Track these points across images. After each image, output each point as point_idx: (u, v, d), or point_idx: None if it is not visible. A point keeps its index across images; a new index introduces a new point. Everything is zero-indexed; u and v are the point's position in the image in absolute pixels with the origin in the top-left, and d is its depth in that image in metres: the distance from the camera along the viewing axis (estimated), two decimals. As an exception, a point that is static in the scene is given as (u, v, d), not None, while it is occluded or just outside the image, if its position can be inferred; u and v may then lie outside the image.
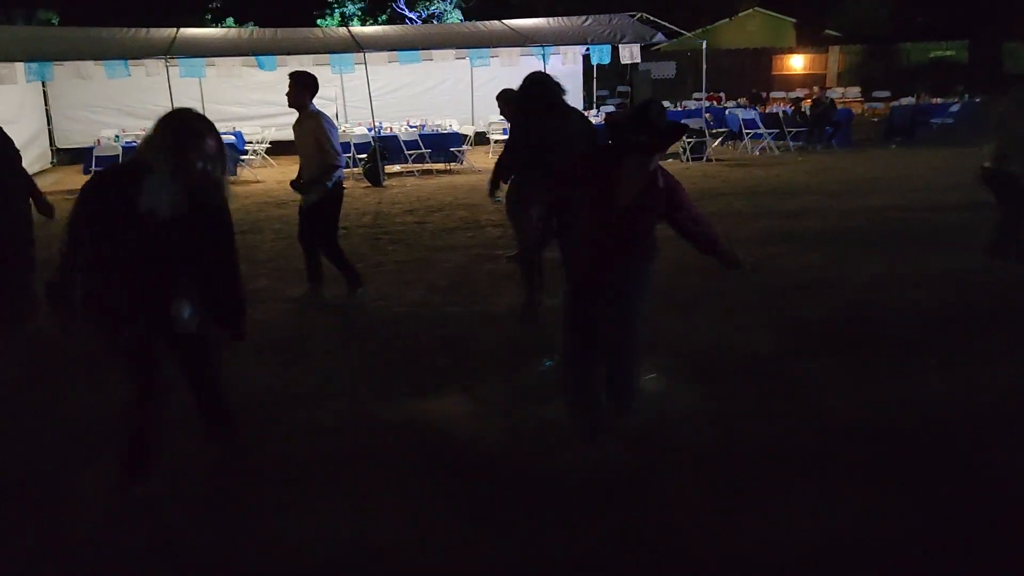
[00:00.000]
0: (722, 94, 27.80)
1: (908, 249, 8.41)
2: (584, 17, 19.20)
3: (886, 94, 28.71)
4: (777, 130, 18.92)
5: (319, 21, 28.17)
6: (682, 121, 17.10)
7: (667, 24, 18.51)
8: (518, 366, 5.35)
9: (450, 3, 33.97)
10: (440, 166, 17.42)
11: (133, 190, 3.33)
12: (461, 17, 32.49)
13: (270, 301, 7.24)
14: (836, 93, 27.57)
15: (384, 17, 32.36)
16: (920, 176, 13.98)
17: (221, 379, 3.94)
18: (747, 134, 18.88)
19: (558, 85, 6.15)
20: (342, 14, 32.11)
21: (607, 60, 18.56)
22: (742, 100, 24.95)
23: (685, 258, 7.70)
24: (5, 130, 6.35)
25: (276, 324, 6.54)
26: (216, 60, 17.00)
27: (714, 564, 3.26)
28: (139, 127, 18.27)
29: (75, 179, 15.67)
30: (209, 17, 26.84)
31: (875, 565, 3.24)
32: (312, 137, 6.75)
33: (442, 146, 17.20)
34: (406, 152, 16.83)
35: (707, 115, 19.63)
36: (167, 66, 15.84)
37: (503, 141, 9.73)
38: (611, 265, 4.22)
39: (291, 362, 5.69)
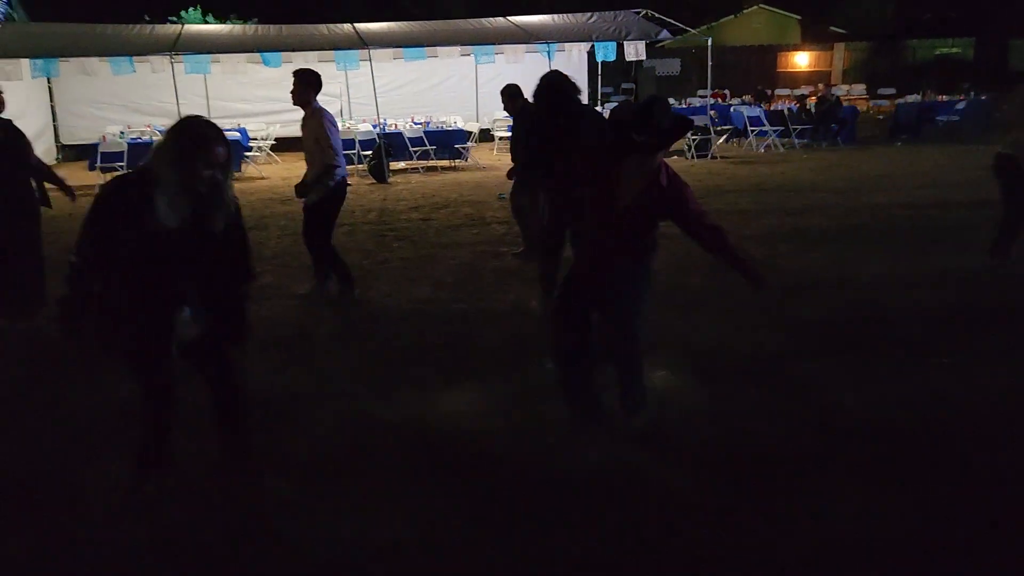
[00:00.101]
0: (727, 91, 27.75)
1: (913, 248, 8.40)
2: (589, 14, 19.19)
3: (891, 91, 28.64)
4: (782, 127, 18.89)
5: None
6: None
7: (672, 21, 18.49)
8: (521, 365, 5.35)
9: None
10: (445, 163, 17.42)
11: (144, 198, 3.35)
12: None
13: (275, 298, 7.26)
14: (841, 90, 27.49)
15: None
16: (926, 174, 13.96)
17: (240, 377, 3.90)
18: (752, 131, 18.86)
19: (572, 86, 6.14)
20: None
21: (612, 57, 18.55)
22: (747, 97, 24.89)
23: (686, 257, 7.76)
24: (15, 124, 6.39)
25: (280, 321, 6.56)
26: (221, 56, 17.02)
27: (714, 564, 3.27)
28: (144, 123, 18.35)
29: (80, 175, 15.66)
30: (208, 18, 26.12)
31: (875, 565, 3.24)
32: (314, 136, 6.78)
33: (447, 143, 17.21)
34: (411, 149, 16.84)
35: (712, 112, 19.61)
36: (172, 62, 15.86)
37: (507, 138, 9.75)
38: (611, 265, 4.23)
39: (293, 360, 5.70)
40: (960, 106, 20.17)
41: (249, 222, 4.57)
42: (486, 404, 4.79)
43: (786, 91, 29.06)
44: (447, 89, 21.85)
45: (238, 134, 16.46)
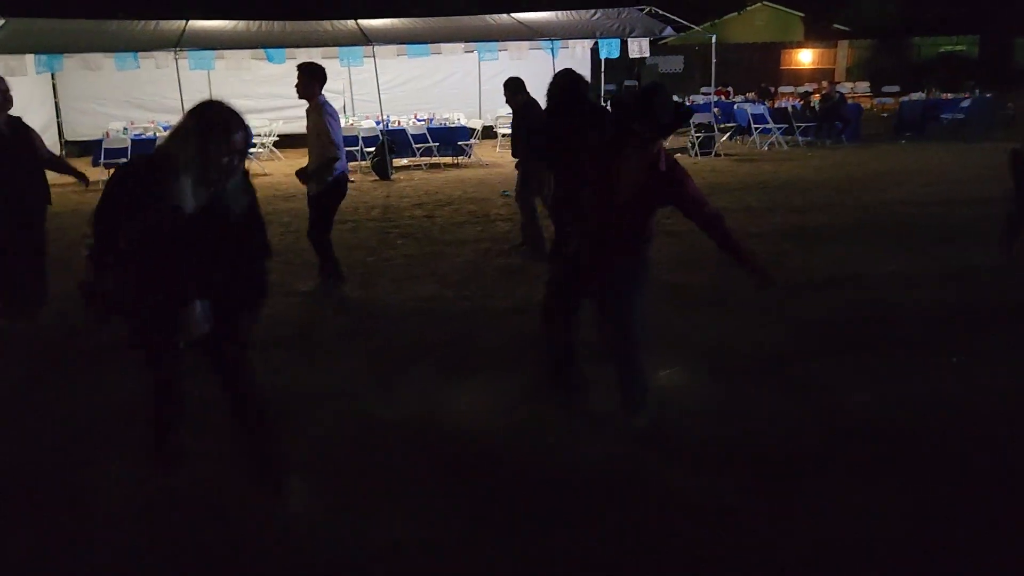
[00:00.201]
0: (730, 88, 27.70)
1: (917, 245, 8.40)
2: (593, 10, 19.16)
3: (895, 89, 28.58)
4: (786, 125, 18.87)
5: None
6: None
7: (676, 18, 18.46)
8: (523, 363, 5.34)
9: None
10: (448, 160, 17.42)
11: (160, 181, 3.28)
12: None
13: (278, 295, 7.24)
14: (845, 88, 27.43)
15: None
16: (930, 171, 13.94)
17: (253, 375, 3.81)
18: (756, 129, 18.84)
19: (582, 85, 6.11)
20: None
21: (616, 54, 18.52)
22: (751, 95, 24.84)
23: (689, 255, 7.77)
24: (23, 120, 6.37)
25: (283, 319, 6.55)
26: (225, 53, 17.01)
27: (714, 564, 3.27)
28: (147, 120, 18.35)
29: (86, 171, 15.64)
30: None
31: (875, 565, 3.25)
32: (315, 128, 6.79)
33: (450, 140, 17.20)
34: (414, 146, 16.83)
35: (715, 110, 19.58)
36: (176, 58, 15.86)
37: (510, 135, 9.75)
38: (611, 264, 4.26)
39: (295, 359, 5.69)
40: (965, 104, 20.13)
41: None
42: (487, 403, 4.79)
43: (789, 89, 29.02)
44: (450, 86, 21.81)
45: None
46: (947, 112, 20.23)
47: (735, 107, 20.72)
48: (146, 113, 19.18)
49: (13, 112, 6.26)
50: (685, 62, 33.11)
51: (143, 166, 3.43)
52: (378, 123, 16.91)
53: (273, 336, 6.00)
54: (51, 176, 6.48)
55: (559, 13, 19.44)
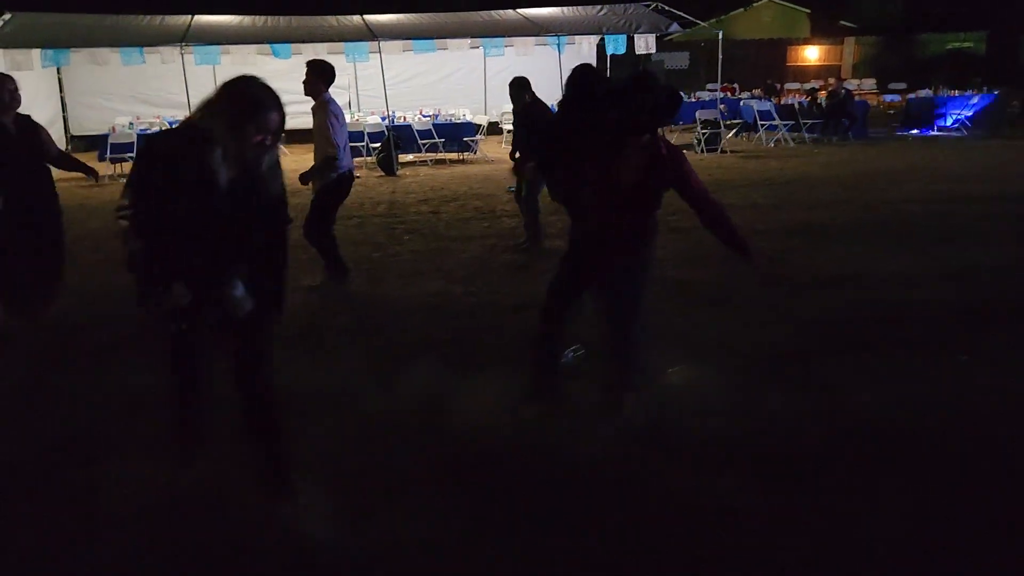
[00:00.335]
0: (735, 85, 27.66)
1: (923, 243, 8.37)
2: (599, 6, 19.13)
3: (902, 86, 28.50)
4: (792, 122, 18.81)
5: None
6: (696, 112, 16.95)
7: (682, 14, 18.42)
8: (528, 361, 5.30)
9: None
10: (453, 156, 17.40)
11: (189, 155, 3.17)
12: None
13: (283, 291, 7.23)
14: (851, 85, 27.37)
15: None
16: (937, 168, 13.91)
17: (271, 370, 3.74)
18: (762, 126, 18.79)
19: (586, 79, 6.07)
20: None
21: (623, 50, 18.50)
22: (757, 92, 24.79)
23: (693, 252, 7.75)
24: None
25: (287, 316, 6.51)
26: (231, 48, 17.01)
27: (714, 564, 3.26)
28: (153, 115, 18.36)
29: (92, 166, 15.68)
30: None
31: (875, 565, 3.23)
32: (319, 127, 6.77)
33: (455, 136, 17.20)
34: (419, 141, 16.83)
35: (721, 106, 19.54)
36: (182, 53, 15.85)
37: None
38: (611, 264, 4.27)
39: (297, 357, 5.61)
40: (973, 101, 20.08)
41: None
42: (489, 402, 4.71)
43: (796, 85, 28.95)
44: (456, 82, 21.82)
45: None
46: (954, 109, 20.18)
47: (741, 103, 20.67)
48: (152, 108, 19.20)
49: (21, 107, 6.22)
50: (691, 58, 33.06)
51: (172, 135, 3.33)
52: (383, 119, 16.91)
53: (276, 332, 5.96)
54: (57, 173, 6.43)
55: (565, 9, 19.42)
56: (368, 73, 18.53)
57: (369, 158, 16.27)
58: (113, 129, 16.34)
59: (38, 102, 16.78)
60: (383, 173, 15.53)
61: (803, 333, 5.84)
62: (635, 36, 18.15)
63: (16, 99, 6.07)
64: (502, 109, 19.43)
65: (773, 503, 3.63)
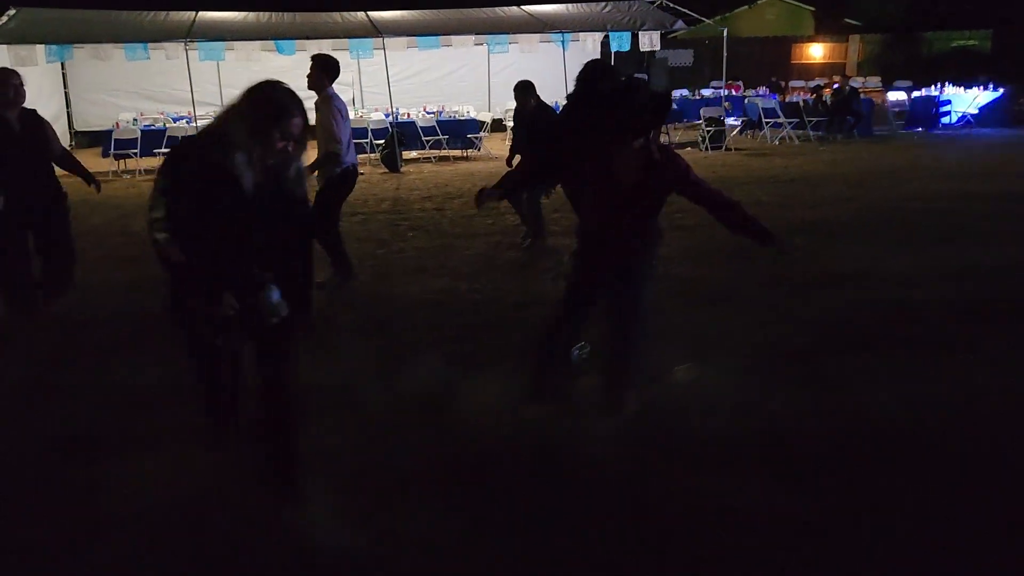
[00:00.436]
0: (740, 83, 27.61)
1: (928, 242, 8.34)
2: (604, 3, 19.09)
3: (908, 84, 28.43)
4: (797, 119, 18.78)
5: None
6: (701, 110, 16.95)
7: (687, 11, 18.39)
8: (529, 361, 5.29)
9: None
10: (457, 153, 17.40)
11: (216, 162, 3.16)
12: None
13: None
14: (856, 83, 27.31)
15: None
16: (942, 166, 13.88)
17: (296, 373, 3.70)
18: (767, 123, 18.75)
19: (594, 76, 6.04)
20: None
21: (627, 47, 18.47)
22: (762, 89, 24.74)
23: (699, 249, 7.74)
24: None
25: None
26: (235, 44, 17.01)
27: (715, 564, 3.24)
28: (157, 110, 18.38)
29: (95, 162, 15.70)
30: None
31: (875, 565, 3.22)
32: (321, 122, 6.76)
33: (459, 133, 17.20)
34: (423, 138, 16.81)
35: (726, 104, 19.50)
36: (186, 49, 15.86)
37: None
38: (611, 265, 4.25)
39: (299, 355, 5.62)
40: (979, 100, 20.02)
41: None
42: (491, 401, 4.70)
43: (800, 83, 28.89)
44: (459, 78, 21.81)
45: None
46: (959, 107, 20.13)
47: (746, 101, 20.63)
48: (156, 104, 19.22)
49: (26, 103, 6.17)
50: (695, 56, 32.99)
51: (200, 143, 3.28)
52: (387, 115, 16.90)
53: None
54: (60, 170, 6.40)
55: (570, 6, 19.39)
56: (372, 70, 18.54)
57: (373, 155, 16.27)
58: (117, 125, 16.36)
59: (42, 98, 16.80)
60: (387, 170, 15.52)
61: (804, 332, 5.81)
62: (639, 33, 18.11)
63: (20, 94, 6.00)
64: (506, 106, 19.41)
65: (773, 503, 3.62)
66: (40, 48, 15.78)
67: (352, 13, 18.11)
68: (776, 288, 6.78)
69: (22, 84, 6.03)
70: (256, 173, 3.23)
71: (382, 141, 16.12)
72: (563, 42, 17.31)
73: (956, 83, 21.60)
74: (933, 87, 22.07)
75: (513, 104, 9.11)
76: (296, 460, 3.67)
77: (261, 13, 18.10)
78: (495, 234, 9.38)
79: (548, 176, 5.59)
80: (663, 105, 4.13)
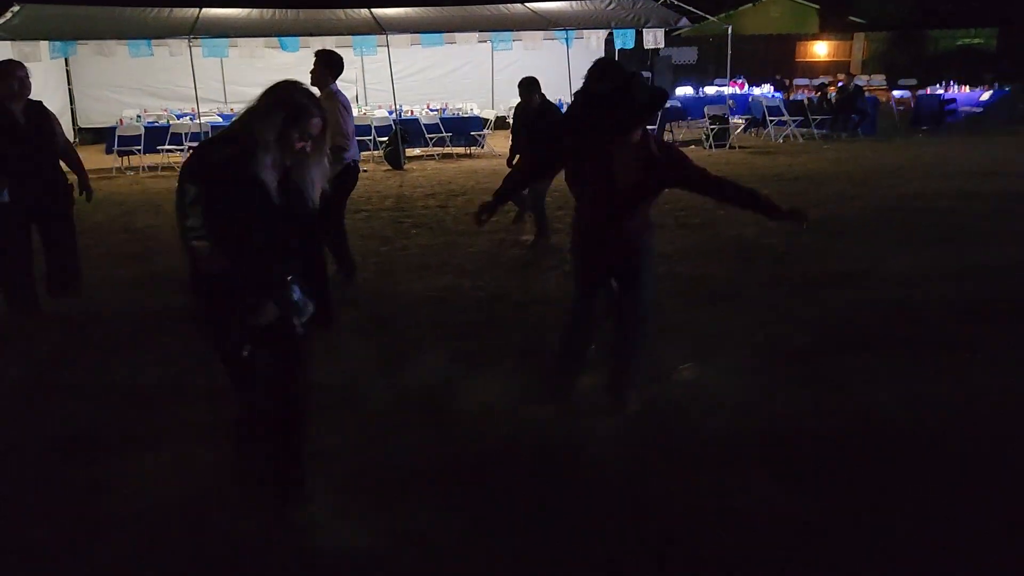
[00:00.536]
0: (743, 80, 27.56)
1: (932, 240, 8.31)
2: (608, 1, 19.07)
3: (913, 82, 28.38)
4: (801, 117, 18.73)
5: None
6: (705, 107, 16.86)
7: (691, 8, 18.36)
8: (533, 358, 5.28)
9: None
10: (460, 150, 17.39)
11: (241, 164, 3.16)
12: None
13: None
14: (861, 81, 27.25)
15: None
16: (947, 165, 13.82)
17: (310, 373, 3.69)
18: (771, 121, 18.71)
19: (601, 74, 6.02)
20: None
21: (631, 45, 18.45)
22: (766, 87, 24.69)
23: (703, 247, 7.72)
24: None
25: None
26: (239, 41, 17.01)
27: (715, 564, 3.24)
28: (160, 107, 18.39)
29: (99, 159, 15.74)
30: None
31: (875, 565, 3.21)
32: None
33: (463, 130, 17.19)
34: (427, 136, 16.81)
35: (730, 102, 19.47)
36: (190, 46, 15.86)
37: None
38: (611, 263, 4.25)
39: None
40: (984, 97, 19.97)
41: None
42: (492, 401, 4.71)
43: (804, 81, 28.85)
44: (463, 76, 21.80)
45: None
46: (965, 105, 20.09)
47: (750, 99, 20.59)
48: (159, 101, 19.23)
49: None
50: (699, 53, 32.94)
51: (224, 146, 3.26)
52: (391, 112, 16.89)
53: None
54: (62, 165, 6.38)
55: (574, 3, 19.37)
56: (375, 67, 18.51)
57: (377, 152, 16.27)
58: (120, 121, 16.36)
59: (46, 94, 16.72)
60: (390, 167, 15.52)
61: (804, 332, 5.79)
62: (644, 30, 18.08)
63: (26, 87, 5.94)
64: (510, 104, 19.34)
65: (773, 503, 3.62)
66: (44, 44, 15.80)
67: (356, 10, 18.10)
68: (776, 288, 6.77)
69: (27, 76, 5.97)
70: (277, 173, 3.25)
71: (386, 138, 16.12)
72: (567, 39, 17.29)
73: (961, 82, 21.58)
74: (938, 85, 22.05)
75: (516, 102, 9.11)
76: (301, 461, 3.65)
77: (265, 10, 18.10)
78: (499, 231, 9.37)
79: (548, 175, 5.59)
80: (657, 100, 4.13)
